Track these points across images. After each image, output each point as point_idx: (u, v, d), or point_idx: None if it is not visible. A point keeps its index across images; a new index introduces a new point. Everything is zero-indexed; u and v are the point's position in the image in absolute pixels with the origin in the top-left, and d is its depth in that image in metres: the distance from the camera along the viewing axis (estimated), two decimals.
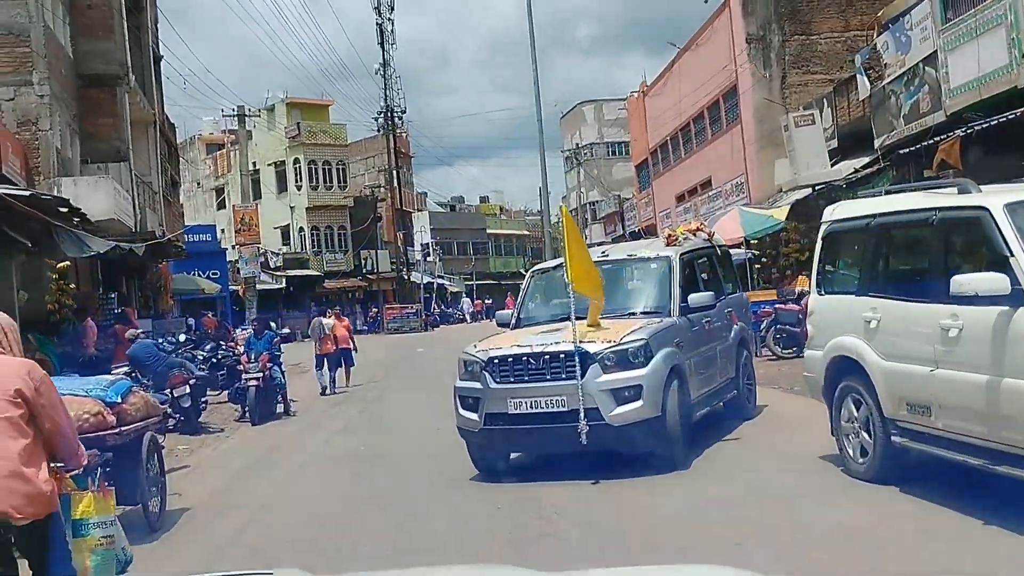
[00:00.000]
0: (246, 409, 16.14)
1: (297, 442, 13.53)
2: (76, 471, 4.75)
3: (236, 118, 34.35)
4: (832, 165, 21.81)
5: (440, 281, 67.04)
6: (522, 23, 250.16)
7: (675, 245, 10.55)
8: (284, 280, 52.26)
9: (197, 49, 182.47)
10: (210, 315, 30.96)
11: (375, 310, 54.72)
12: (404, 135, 63.05)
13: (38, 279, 17.43)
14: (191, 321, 29.83)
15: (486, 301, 70.80)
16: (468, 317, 64.90)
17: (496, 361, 8.73)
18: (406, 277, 57.93)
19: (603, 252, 10.97)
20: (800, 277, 21.38)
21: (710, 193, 30.58)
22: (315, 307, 54.12)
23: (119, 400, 8.15)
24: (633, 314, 9.47)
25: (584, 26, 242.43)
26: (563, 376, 8.39)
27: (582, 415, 8.21)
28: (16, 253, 16.33)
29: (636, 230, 41.66)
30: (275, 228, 56.40)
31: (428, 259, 67.87)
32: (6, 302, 16.28)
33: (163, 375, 14.65)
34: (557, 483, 8.57)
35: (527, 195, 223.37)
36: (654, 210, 38.49)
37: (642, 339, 8.49)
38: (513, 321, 10.21)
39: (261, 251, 53.49)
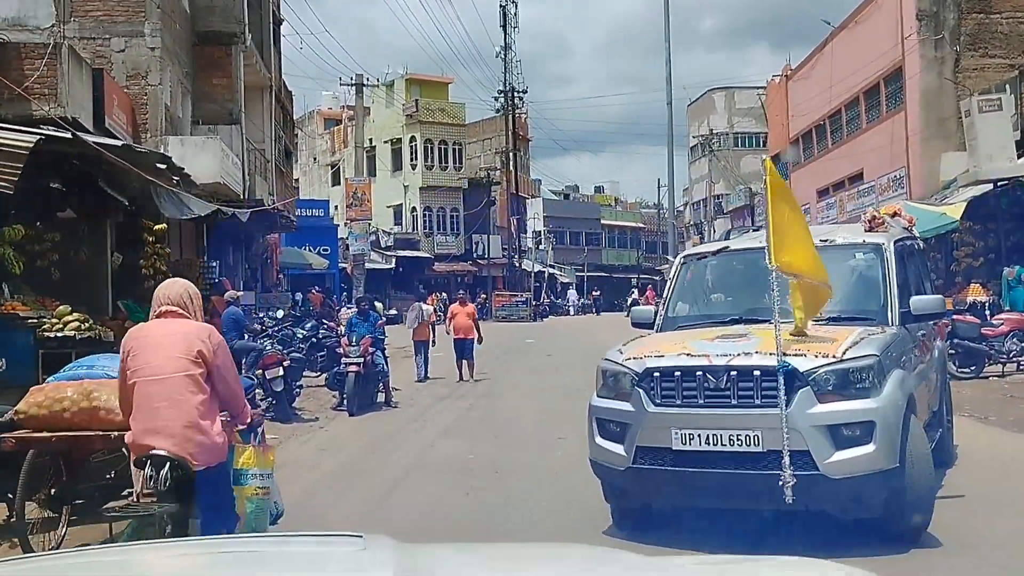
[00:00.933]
0: (344, 397, 14.48)
1: (397, 442, 11.73)
2: (242, 427, 5.25)
3: (354, 88, 32.97)
4: (1019, 158, 18.93)
5: (551, 271, 65.09)
6: (641, 14, 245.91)
7: (882, 230, 7.96)
8: (394, 260, 51.19)
9: (319, 25, 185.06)
10: (315, 290, 29.74)
11: (484, 296, 53.10)
12: (523, 117, 61.29)
13: (134, 241, 16.15)
14: (298, 296, 28.66)
15: (594, 293, 68.56)
16: (572, 309, 62.91)
17: (657, 374, 6.33)
18: (517, 264, 56.19)
19: None
20: (972, 286, 18.58)
21: (860, 187, 27.72)
22: (424, 290, 53.14)
23: None
24: (836, 320, 6.96)
25: (708, 18, 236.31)
26: (757, 402, 6.06)
27: (786, 460, 5.79)
28: (112, 212, 15.09)
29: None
30: (388, 207, 55.46)
31: (540, 247, 66.02)
32: (99, 264, 15.10)
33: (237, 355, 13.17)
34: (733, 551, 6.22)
35: (642, 187, 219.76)
36: None
37: (872, 355, 6.12)
38: (659, 321, 7.59)
39: (372, 229, 52.76)
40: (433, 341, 19.72)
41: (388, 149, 56.11)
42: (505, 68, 55.27)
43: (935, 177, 23.81)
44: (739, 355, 6.20)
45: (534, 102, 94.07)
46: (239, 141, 22.97)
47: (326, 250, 39.83)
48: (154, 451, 4.62)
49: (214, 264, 19.51)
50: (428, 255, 53.20)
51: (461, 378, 18.33)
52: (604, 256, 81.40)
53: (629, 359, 6.61)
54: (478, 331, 18.76)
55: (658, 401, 6.32)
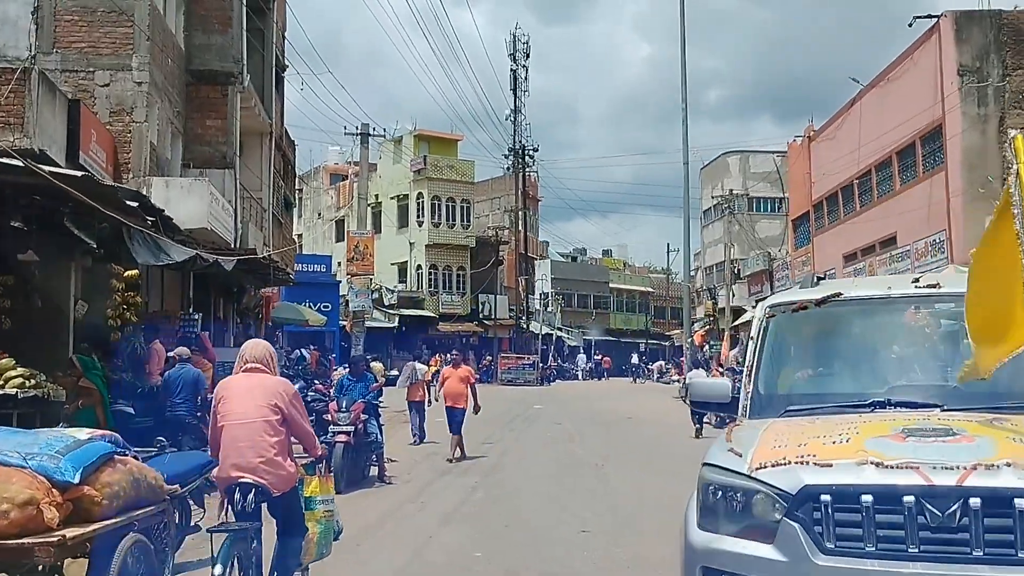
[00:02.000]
0: (330, 471, 12.61)
1: (389, 532, 9.84)
2: (309, 460, 6.37)
3: (359, 138, 31.57)
4: None
5: (559, 333, 63.30)
6: (648, 84, 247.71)
7: None
8: (396, 319, 49.48)
9: (326, 77, 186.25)
10: (311, 348, 27.97)
11: (489, 358, 51.29)
12: (533, 177, 60.10)
13: (103, 289, 14.47)
14: (297, 353, 26.84)
15: (602, 357, 66.73)
16: (581, 374, 61.25)
17: (828, 499, 3.90)
18: (524, 326, 54.46)
19: (915, 281, 5.42)
20: None
21: (893, 252, 26.03)
22: (427, 351, 51.31)
23: (75, 480, 4.65)
24: None
25: (713, 91, 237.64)
26: (1018, 556, 3.65)
27: None
28: (79, 255, 13.46)
29: None
30: (392, 264, 53.93)
31: (548, 309, 64.30)
32: (59, 313, 13.41)
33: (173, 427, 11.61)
34: None
35: (650, 252, 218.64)
36: (812, 269, 33.89)
37: None
38: (746, 400, 5.11)
39: (375, 286, 51.13)
40: (429, 401, 19.20)
41: (395, 205, 54.76)
42: (515, 130, 54.39)
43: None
44: (972, 468, 3.76)
45: (544, 161, 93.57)
46: (231, 185, 21.44)
47: (327, 307, 38.10)
48: (241, 480, 5.52)
49: (196, 317, 17.75)
50: (432, 314, 51.48)
51: (452, 457, 15.62)
52: (612, 320, 79.74)
53: (762, 467, 4.09)
54: (475, 398, 16.08)
55: (833, 546, 3.83)
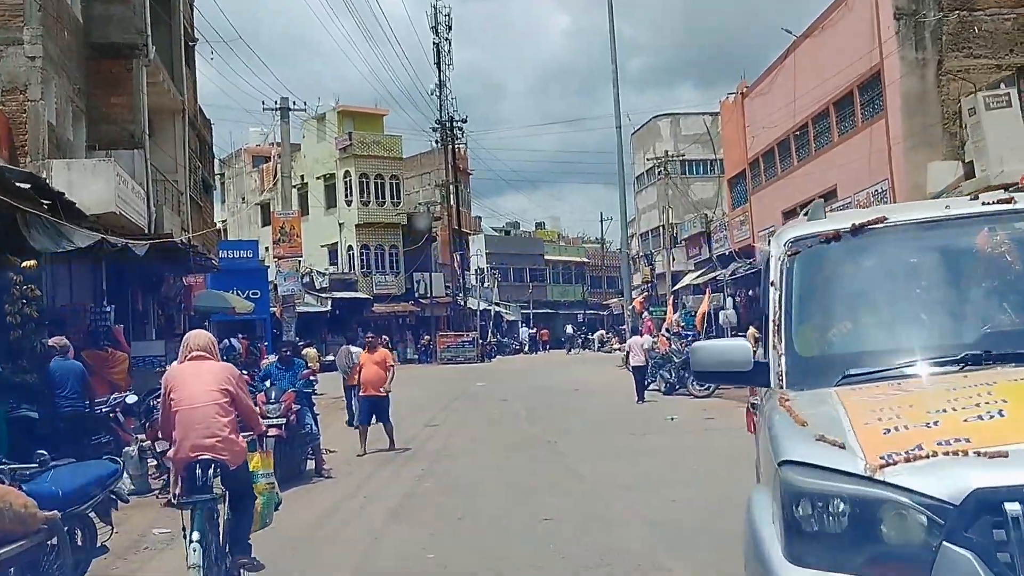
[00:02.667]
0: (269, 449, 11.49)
1: (330, 535, 8.80)
2: (252, 438, 6.80)
3: (278, 113, 30.05)
4: None
5: (497, 309, 62.41)
6: (570, 55, 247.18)
7: None
8: (329, 302, 48.00)
9: (245, 60, 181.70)
10: (240, 337, 26.58)
11: (427, 338, 50.23)
12: (462, 149, 58.82)
13: None
14: (226, 342, 25.42)
15: (541, 331, 66.19)
16: (526, 347, 60.74)
17: (1021, 509, 2.59)
18: (461, 303, 53.40)
19: (976, 199, 4.39)
20: None
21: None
22: (362, 333, 49.84)
23: None
24: None
25: (636, 59, 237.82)
26: None
27: None
28: None
29: (727, 253, 36.65)
30: (322, 246, 52.42)
31: (484, 285, 63.35)
32: None
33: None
34: None
35: (583, 223, 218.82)
36: (751, 229, 33.49)
37: None
38: (780, 365, 3.78)
39: (305, 269, 49.60)
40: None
41: (321, 185, 53.11)
42: (441, 105, 53.02)
43: (921, 189, 21.68)
44: None
45: (472, 132, 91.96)
46: (143, 168, 19.99)
47: (256, 294, 36.59)
48: (201, 457, 5.97)
49: (108, 309, 16.37)
50: (367, 296, 50.13)
51: (364, 451, 13.92)
52: (550, 292, 79.20)
53: (890, 463, 2.79)
54: (388, 381, 14.27)
55: None
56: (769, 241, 4.63)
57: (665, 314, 45.41)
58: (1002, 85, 17.85)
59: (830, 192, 26.19)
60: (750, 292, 31.19)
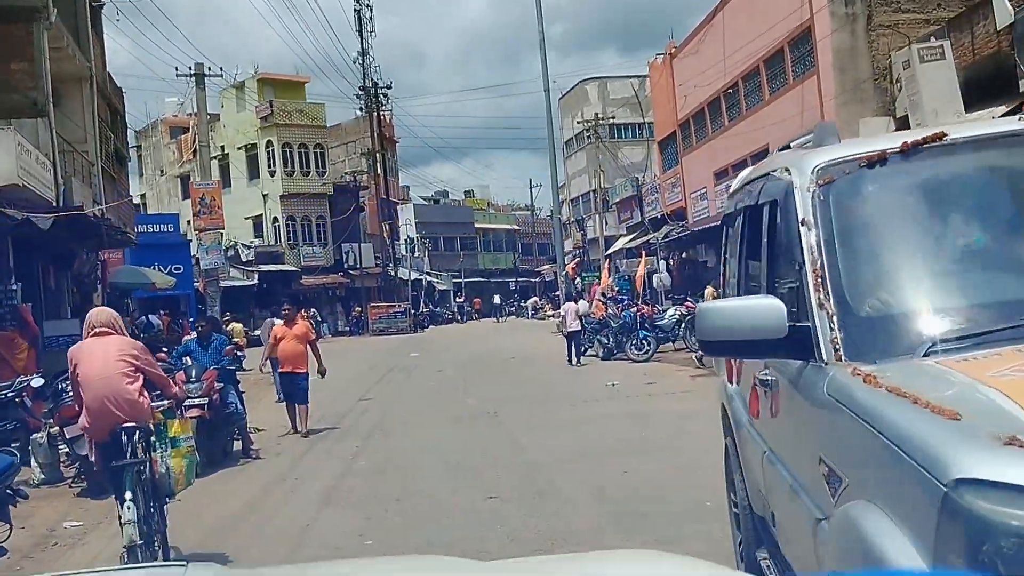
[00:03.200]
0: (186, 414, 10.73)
1: (259, 522, 8.16)
2: (168, 406, 7.02)
3: (194, 79, 28.72)
4: (966, 112, 16.69)
5: (428, 278, 61.67)
6: (491, 21, 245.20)
7: None
8: (256, 276, 46.75)
9: (160, 27, 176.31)
10: (162, 313, 25.48)
11: (358, 309, 49.30)
12: (388, 117, 57.62)
13: None
14: (144, 319, 24.33)
15: (474, 300, 65.70)
16: (462, 316, 60.34)
17: None
18: (392, 273, 52.52)
19: None
20: None
21: None
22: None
23: None
24: None
25: (558, 25, 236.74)
26: None
27: None
28: None
29: (659, 216, 36.46)
30: (246, 218, 50.94)
31: (415, 254, 62.49)
32: None
33: None
34: None
35: (510, 193, 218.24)
36: (683, 191, 33.30)
37: None
38: (836, 331, 2.82)
39: (230, 242, 48.18)
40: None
41: (243, 156, 51.50)
42: (364, 74, 51.68)
43: None
44: None
45: (397, 99, 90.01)
46: (48, 138, 18.79)
47: (179, 268, 35.33)
48: (125, 424, 6.29)
49: (14, 288, 15.31)
50: (294, 268, 48.93)
51: (294, 429, 12.95)
52: (481, 260, 78.68)
53: None
54: (318, 360, 13.09)
55: None
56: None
57: (598, 279, 45.31)
58: (932, 39, 17.69)
59: (762, 151, 25.99)
60: (683, 254, 31.04)
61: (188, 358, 11.49)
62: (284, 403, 13.82)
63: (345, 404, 16.60)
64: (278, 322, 20.64)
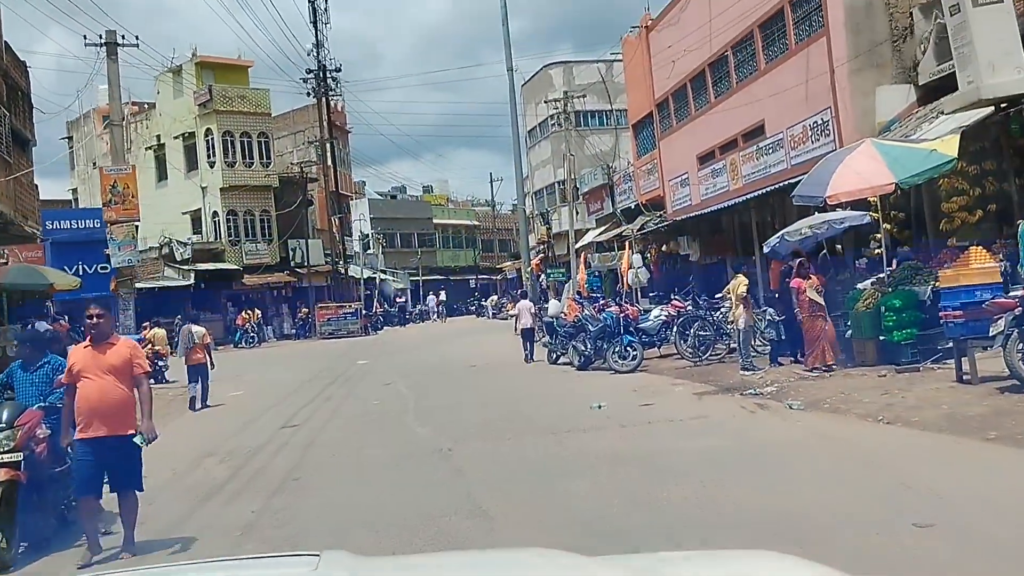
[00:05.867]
0: None
1: None
2: None
3: (104, 51, 24.95)
4: None
5: (383, 276, 58.00)
6: (448, 18, 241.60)
7: None
8: (192, 275, 42.91)
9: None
10: (62, 320, 21.79)
11: (305, 310, 45.63)
12: (339, 106, 53.91)
13: None
14: (33, 326, 20.54)
15: (440, 296, 62.16)
16: (434, 315, 57.06)
17: None
18: (343, 271, 48.80)
19: None
20: (974, 249, 13.03)
21: (761, 143, 22.28)
22: (233, 309, 45.11)
23: None
24: None
25: (515, 22, 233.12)
26: None
27: None
28: None
29: (634, 205, 33.28)
30: (184, 213, 47.09)
31: (368, 251, 58.85)
32: None
33: None
34: None
35: (470, 190, 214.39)
36: (661, 178, 30.12)
37: None
38: None
39: (165, 239, 44.40)
40: (212, 363, 17.66)
41: (180, 146, 47.54)
42: (319, 64, 47.85)
43: (870, 117, 18.57)
44: None
45: (349, 83, 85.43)
46: None
47: (105, 268, 31.61)
48: None
49: None
50: (236, 267, 45.11)
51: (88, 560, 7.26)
52: (439, 257, 75.27)
53: None
54: (145, 410, 7.25)
55: None
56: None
57: (565, 276, 42.01)
58: None
59: (756, 129, 22.92)
60: (663, 247, 27.86)
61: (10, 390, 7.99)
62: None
63: (262, 434, 13.18)
64: (196, 328, 17.77)
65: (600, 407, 12.75)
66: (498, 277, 72.91)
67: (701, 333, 17.59)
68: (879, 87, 18.67)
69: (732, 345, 16.95)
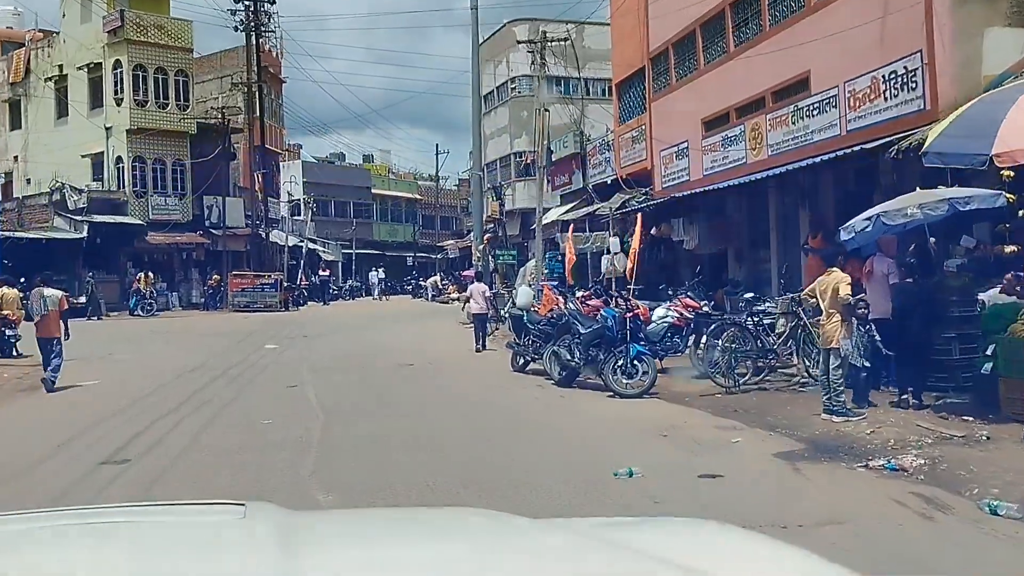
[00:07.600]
0: None
1: None
2: None
3: None
4: None
5: (312, 246, 52.09)
6: None
7: None
8: (87, 228, 36.75)
9: None
10: None
11: (217, 277, 39.73)
12: (273, 50, 47.76)
13: None
14: None
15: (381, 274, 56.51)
16: (376, 292, 52.18)
17: None
18: (264, 236, 42.85)
19: None
20: None
21: (804, 102, 17.28)
22: (133, 268, 39.16)
23: None
24: None
25: None
26: None
27: None
28: None
29: (610, 181, 28.19)
30: (83, 156, 40.77)
31: (297, 217, 52.87)
32: None
33: None
34: None
35: (413, 163, 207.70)
36: (649, 147, 25.03)
37: None
38: None
39: (56, 183, 38.23)
40: (67, 334, 14.74)
41: (84, 78, 41.12)
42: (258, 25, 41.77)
43: (974, 69, 13.68)
44: None
45: (285, 28, 78.11)
46: None
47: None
48: None
49: None
50: (139, 222, 38.96)
51: None
52: (376, 231, 69.63)
53: None
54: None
55: None
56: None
57: (516, 260, 36.84)
58: None
59: (796, 83, 17.90)
60: (652, 231, 22.77)
61: None
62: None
63: (65, 476, 7.75)
64: (49, 291, 14.92)
65: (631, 474, 7.54)
66: (438, 256, 67.40)
67: (740, 348, 12.43)
68: (988, 29, 13.80)
69: (791, 371, 11.91)
